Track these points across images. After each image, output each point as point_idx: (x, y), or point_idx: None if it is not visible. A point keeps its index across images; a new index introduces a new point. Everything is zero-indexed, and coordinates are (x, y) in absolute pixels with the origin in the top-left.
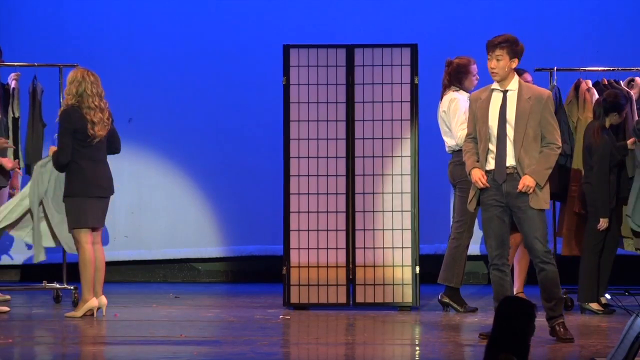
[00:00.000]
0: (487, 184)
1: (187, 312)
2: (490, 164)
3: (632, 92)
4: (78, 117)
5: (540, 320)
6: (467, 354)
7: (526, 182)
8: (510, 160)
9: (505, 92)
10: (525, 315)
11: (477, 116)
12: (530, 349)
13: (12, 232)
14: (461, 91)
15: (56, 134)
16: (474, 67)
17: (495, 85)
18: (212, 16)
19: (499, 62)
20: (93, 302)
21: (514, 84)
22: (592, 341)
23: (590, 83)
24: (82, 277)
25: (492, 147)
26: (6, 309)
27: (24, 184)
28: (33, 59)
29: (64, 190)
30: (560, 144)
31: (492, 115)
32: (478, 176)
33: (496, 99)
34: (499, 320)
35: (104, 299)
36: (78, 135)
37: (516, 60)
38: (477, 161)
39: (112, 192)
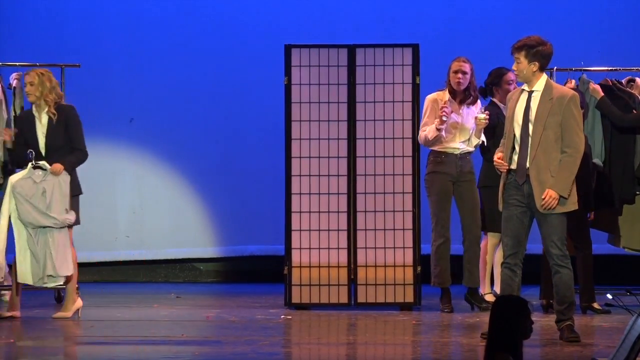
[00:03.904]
0: (506, 166)
1: (188, 312)
2: (514, 164)
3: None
4: None
5: (546, 320)
6: (467, 354)
7: (549, 195)
8: (530, 162)
9: (530, 92)
10: (519, 313)
11: (507, 116)
12: (530, 349)
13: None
14: (439, 92)
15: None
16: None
17: (524, 86)
18: (213, 16)
19: (519, 64)
20: (80, 302)
21: (539, 84)
22: (593, 341)
23: None
24: (73, 277)
25: (517, 147)
26: (9, 314)
27: None
28: (35, 58)
29: (73, 189)
30: (580, 147)
31: (517, 115)
32: (497, 160)
33: (522, 100)
34: (493, 320)
35: (80, 301)
36: None
37: (536, 63)
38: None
39: None
